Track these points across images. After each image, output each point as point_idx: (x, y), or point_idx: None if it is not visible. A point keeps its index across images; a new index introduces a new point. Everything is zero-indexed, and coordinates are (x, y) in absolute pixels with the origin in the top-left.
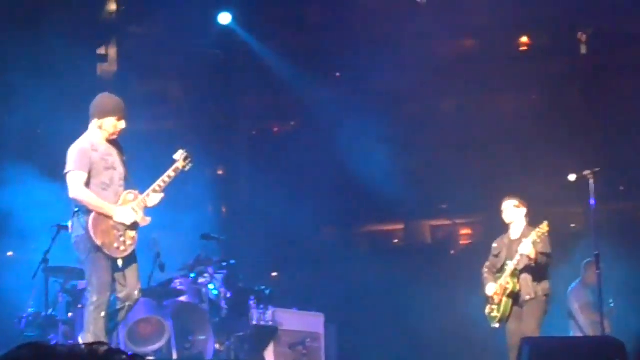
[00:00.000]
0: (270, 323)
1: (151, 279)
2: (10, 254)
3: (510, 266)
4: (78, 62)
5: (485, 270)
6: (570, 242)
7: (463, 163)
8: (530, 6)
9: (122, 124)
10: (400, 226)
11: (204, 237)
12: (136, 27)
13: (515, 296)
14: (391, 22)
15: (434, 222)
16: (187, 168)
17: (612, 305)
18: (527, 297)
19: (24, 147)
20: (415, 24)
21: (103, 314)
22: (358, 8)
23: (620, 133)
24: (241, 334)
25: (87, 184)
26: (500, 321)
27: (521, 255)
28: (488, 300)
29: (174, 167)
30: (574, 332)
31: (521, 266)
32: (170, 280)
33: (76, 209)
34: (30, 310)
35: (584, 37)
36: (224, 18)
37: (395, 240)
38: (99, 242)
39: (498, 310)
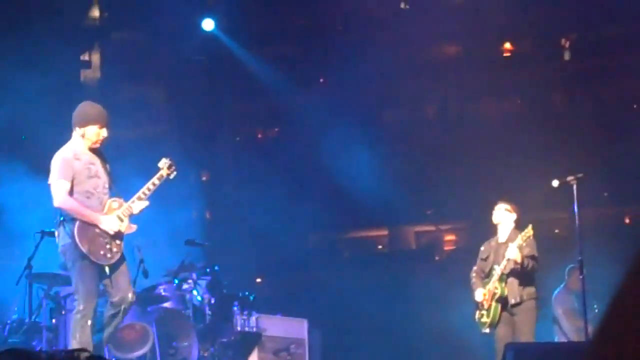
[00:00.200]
0: (255, 329)
1: (135, 285)
2: None
3: (497, 271)
4: (62, 68)
5: (474, 275)
6: (554, 248)
7: (447, 169)
8: (513, 12)
9: (105, 132)
10: (385, 232)
11: (188, 243)
12: (120, 33)
13: (503, 301)
14: (375, 28)
15: (419, 228)
16: (172, 176)
17: (596, 310)
18: (513, 301)
19: (8, 151)
20: (399, 30)
21: (90, 322)
22: (342, 14)
23: (604, 138)
24: (225, 340)
25: (71, 192)
26: (490, 326)
27: (508, 259)
28: (477, 305)
29: (158, 174)
30: (559, 338)
31: (508, 270)
32: (154, 287)
33: (61, 218)
34: (14, 316)
35: (567, 43)
36: (208, 24)
37: (380, 246)
38: (85, 250)
39: (487, 316)
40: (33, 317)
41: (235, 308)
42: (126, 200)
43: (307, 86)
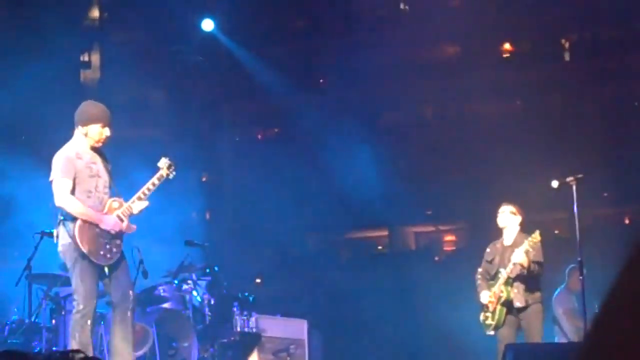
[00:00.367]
0: (254, 330)
1: (135, 286)
2: None
3: (503, 274)
4: (61, 69)
5: (479, 277)
6: (554, 248)
7: (447, 169)
8: (513, 13)
9: (107, 132)
10: (384, 233)
11: (188, 243)
12: (119, 33)
13: (509, 304)
14: (375, 29)
15: (418, 229)
16: (171, 176)
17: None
18: (518, 304)
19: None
20: (399, 31)
21: (89, 322)
22: (342, 15)
23: (603, 139)
24: (225, 340)
25: (72, 191)
26: (495, 329)
27: (514, 264)
28: (482, 307)
29: (158, 174)
30: (559, 338)
31: (514, 275)
32: (154, 287)
33: (61, 217)
34: (13, 317)
35: (567, 44)
36: (207, 25)
37: (380, 247)
38: (85, 250)
39: (492, 318)
40: (33, 317)
41: (235, 309)
42: (125, 200)
43: (307, 87)
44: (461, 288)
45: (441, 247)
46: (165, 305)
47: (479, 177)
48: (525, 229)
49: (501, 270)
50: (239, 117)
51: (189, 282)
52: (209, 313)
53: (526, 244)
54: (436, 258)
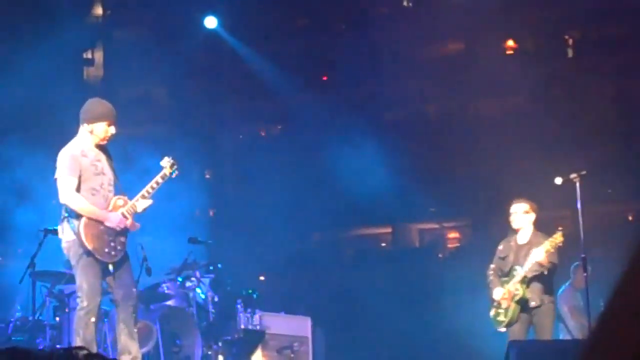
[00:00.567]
0: (258, 327)
1: (138, 283)
2: None
3: (520, 272)
4: (64, 66)
5: (491, 272)
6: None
7: (451, 166)
8: (517, 10)
9: (113, 129)
10: (388, 230)
11: (191, 240)
12: (122, 31)
13: (523, 302)
14: (378, 26)
15: (422, 226)
16: (174, 175)
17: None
18: (533, 304)
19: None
20: (402, 28)
21: (93, 319)
22: (345, 13)
23: (607, 136)
24: (229, 338)
25: (77, 189)
26: (507, 326)
27: (533, 263)
28: (494, 303)
29: (161, 173)
30: (563, 335)
31: (532, 274)
32: (158, 285)
33: (66, 214)
34: (17, 314)
35: (570, 41)
36: (210, 22)
37: (383, 244)
38: (90, 247)
39: (505, 315)
40: (36, 315)
41: (238, 306)
42: (130, 198)
43: (310, 84)
44: (465, 285)
45: (445, 244)
46: (169, 302)
47: (483, 173)
48: (538, 226)
49: (517, 267)
50: (243, 114)
51: (193, 279)
52: (213, 310)
53: (547, 244)
54: (440, 255)
